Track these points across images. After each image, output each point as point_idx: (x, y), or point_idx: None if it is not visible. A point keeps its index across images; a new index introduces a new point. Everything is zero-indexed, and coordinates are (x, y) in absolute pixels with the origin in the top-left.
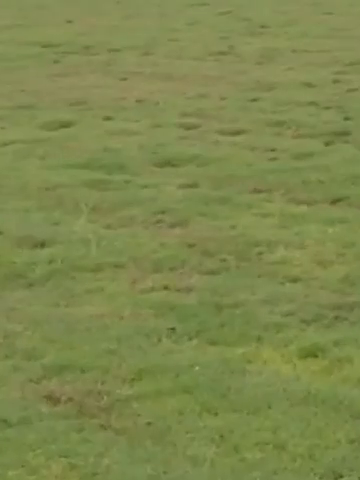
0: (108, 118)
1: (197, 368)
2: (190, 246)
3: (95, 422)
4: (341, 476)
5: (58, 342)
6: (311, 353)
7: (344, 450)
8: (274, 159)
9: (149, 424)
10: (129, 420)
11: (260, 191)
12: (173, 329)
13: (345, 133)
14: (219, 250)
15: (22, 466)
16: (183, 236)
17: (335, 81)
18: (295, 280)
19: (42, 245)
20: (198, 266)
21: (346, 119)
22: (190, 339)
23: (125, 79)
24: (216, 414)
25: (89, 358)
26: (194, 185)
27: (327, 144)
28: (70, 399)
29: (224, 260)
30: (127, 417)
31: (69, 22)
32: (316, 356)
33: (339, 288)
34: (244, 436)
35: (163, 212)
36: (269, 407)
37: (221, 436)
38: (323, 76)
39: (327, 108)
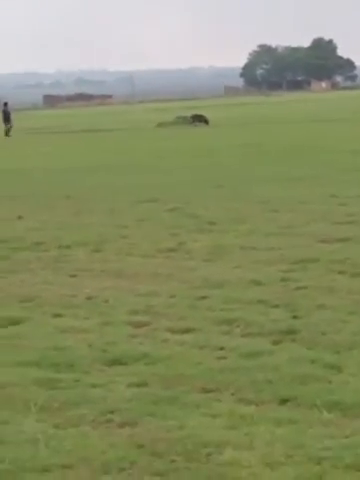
0: (58, 315)
1: None
2: (139, 447)
3: None
4: None
5: None
6: None
7: None
8: (223, 358)
9: None
10: None
11: (209, 391)
12: None
13: (293, 332)
14: (168, 451)
15: None
16: (132, 436)
17: (283, 279)
18: None
19: None
20: (147, 467)
21: (294, 318)
22: None
23: (75, 276)
24: None
25: None
26: (143, 384)
27: (275, 343)
28: None
29: (173, 461)
30: None
31: (20, 218)
32: None
33: None
34: None
35: (112, 412)
36: None
37: None
38: (271, 274)
39: (275, 306)
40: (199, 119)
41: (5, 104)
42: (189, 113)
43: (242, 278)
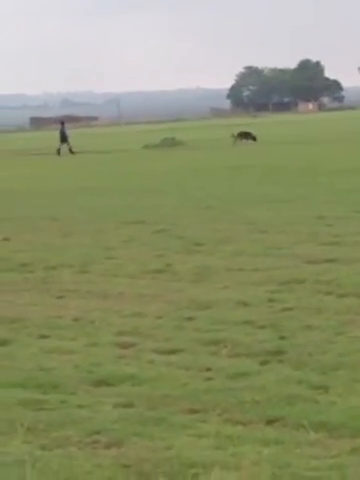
0: (44, 336)
1: None
2: (125, 467)
3: None
4: None
5: None
6: None
7: None
8: (209, 379)
9: None
10: None
11: (195, 411)
12: None
13: (280, 352)
14: (155, 472)
15: None
16: (119, 457)
17: (270, 300)
18: None
19: None
20: None
21: (281, 338)
22: None
23: (61, 297)
24: None
25: None
26: (129, 405)
27: (262, 364)
28: None
29: None
30: None
31: (6, 239)
32: None
33: None
34: None
35: (98, 432)
36: None
37: None
38: (258, 295)
39: (262, 327)
40: (246, 136)
41: (62, 123)
42: (173, 135)
43: (229, 299)
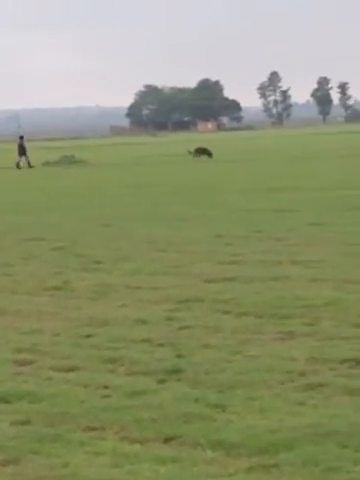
0: None
1: None
2: None
3: None
4: None
5: None
6: None
7: None
8: (107, 396)
9: None
10: None
11: (93, 429)
12: None
13: (177, 371)
14: None
15: None
16: (15, 475)
17: (168, 318)
18: None
19: None
20: None
21: (178, 357)
22: None
23: None
24: None
25: None
26: (27, 422)
27: (160, 382)
28: None
29: None
30: None
31: None
32: None
33: None
34: None
35: None
36: None
37: None
38: (156, 313)
39: (160, 345)
40: (203, 152)
41: (21, 137)
42: (73, 152)
43: (127, 317)
